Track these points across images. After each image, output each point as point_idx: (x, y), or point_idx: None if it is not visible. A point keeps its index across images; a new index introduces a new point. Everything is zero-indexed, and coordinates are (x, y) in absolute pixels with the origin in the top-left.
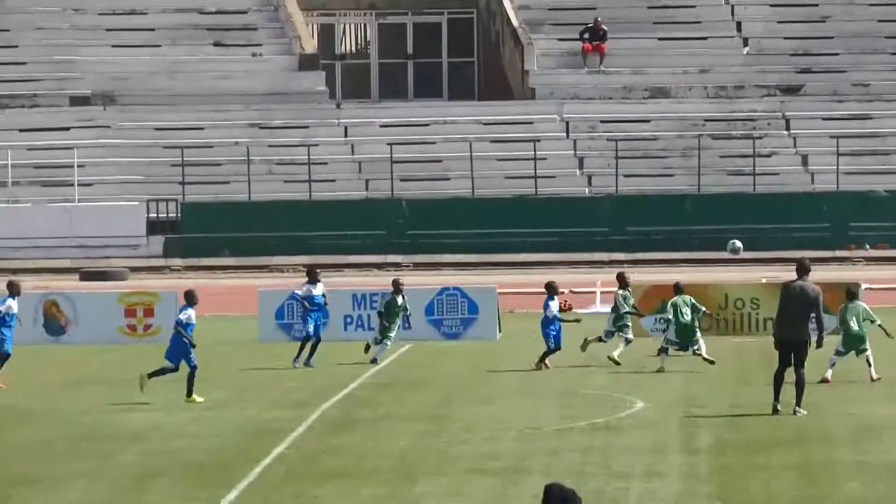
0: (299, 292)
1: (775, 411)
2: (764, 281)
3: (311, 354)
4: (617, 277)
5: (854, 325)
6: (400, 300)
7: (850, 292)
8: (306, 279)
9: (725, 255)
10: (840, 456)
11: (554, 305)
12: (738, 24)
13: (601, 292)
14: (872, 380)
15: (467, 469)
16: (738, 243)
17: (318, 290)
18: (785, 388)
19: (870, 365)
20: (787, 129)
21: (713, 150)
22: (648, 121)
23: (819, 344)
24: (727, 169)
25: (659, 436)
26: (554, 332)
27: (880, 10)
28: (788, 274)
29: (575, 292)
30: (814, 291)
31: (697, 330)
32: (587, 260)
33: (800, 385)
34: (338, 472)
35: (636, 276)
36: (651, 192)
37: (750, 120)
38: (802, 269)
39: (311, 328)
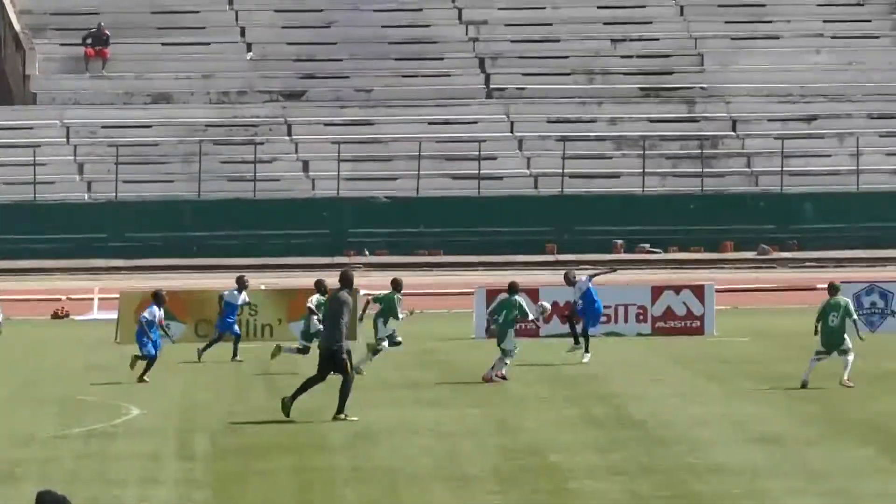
0: None
1: (285, 412)
2: (263, 288)
3: None
4: (391, 283)
5: (832, 322)
6: None
7: (832, 287)
8: None
9: (225, 260)
10: (336, 461)
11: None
12: (242, 30)
13: (99, 299)
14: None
15: None
16: (546, 304)
17: None
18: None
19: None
20: (289, 134)
21: (214, 156)
22: (150, 126)
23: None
24: (228, 175)
25: (155, 442)
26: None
27: (385, 17)
28: (288, 281)
29: (73, 299)
30: (341, 300)
31: None
32: (86, 266)
33: (342, 391)
34: None
35: (133, 282)
36: (151, 198)
37: (252, 126)
38: (345, 281)
39: None
